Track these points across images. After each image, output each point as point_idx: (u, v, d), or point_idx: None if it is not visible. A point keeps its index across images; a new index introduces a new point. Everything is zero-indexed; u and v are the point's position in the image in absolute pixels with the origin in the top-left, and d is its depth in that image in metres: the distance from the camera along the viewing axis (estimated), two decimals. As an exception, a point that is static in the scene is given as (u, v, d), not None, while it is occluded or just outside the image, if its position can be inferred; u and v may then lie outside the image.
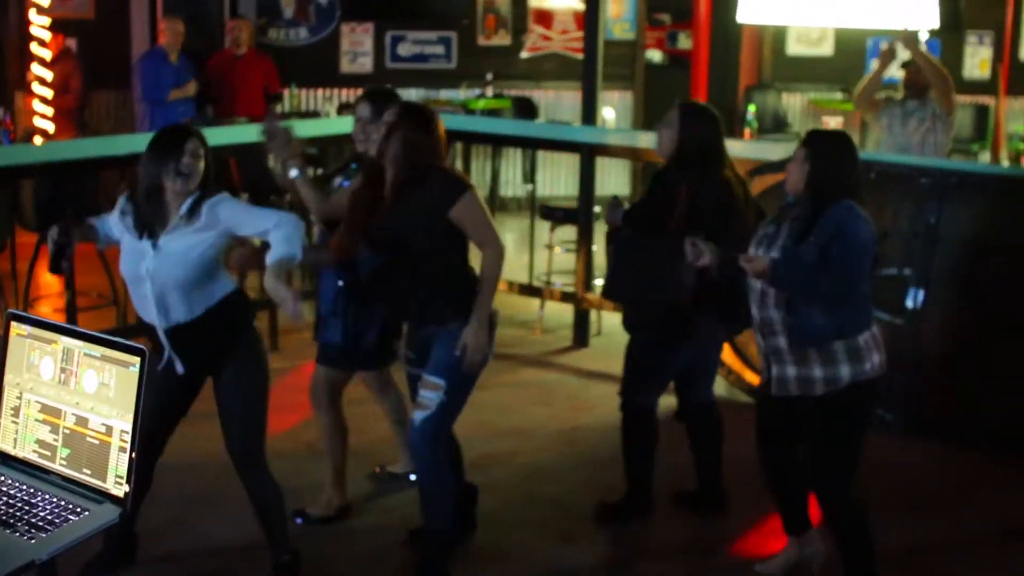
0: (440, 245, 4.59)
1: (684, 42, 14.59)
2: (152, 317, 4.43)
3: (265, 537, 4.75)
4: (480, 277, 4.61)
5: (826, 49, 13.85)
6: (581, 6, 12.38)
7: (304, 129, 8.36)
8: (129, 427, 3.32)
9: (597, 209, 7.94)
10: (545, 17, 13.40)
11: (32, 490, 3.38)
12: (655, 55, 14.92)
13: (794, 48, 13.92)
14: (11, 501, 3.32)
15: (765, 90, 13.68)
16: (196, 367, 4.56)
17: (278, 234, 4.33)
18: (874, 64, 8.27)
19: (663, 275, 5.03)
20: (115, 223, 4.52)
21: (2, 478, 3.47)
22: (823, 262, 4.42)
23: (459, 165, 11.40)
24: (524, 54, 13.39)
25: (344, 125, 8.86)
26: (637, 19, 13.48)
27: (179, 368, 4.51)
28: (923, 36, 9.24)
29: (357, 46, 13.12)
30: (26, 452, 3.54)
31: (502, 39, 13.40)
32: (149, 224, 4.36)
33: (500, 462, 5.82)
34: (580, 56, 10.79)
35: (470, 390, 4.70)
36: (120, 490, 3.29)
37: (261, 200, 7.69)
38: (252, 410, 4.62)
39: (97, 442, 3.38)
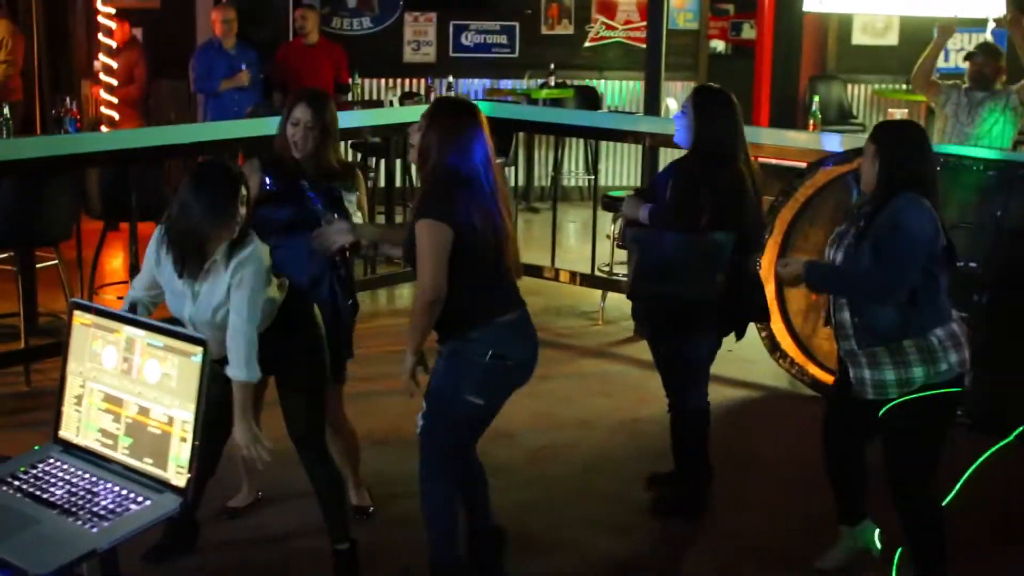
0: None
1: (748, 32, 14.49)
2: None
3: (325, 522, 4.75)
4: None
5: (891, 39, 13.72)
6: None
7: (367, 118, 8.49)
8: (191, 417, 3.32)
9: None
10: (609, 7, 13.34)
11: (94, 479, 3.39)
12: (718, 45, 14.88)
13: (859, 38, 13.79)
14: (73, 489, 3.33)
15: (829, 80, 13.54)
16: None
17: (240, 345, 4.27)
18: (934, 40, 8.12)
19: (694, 273, 5.03)
20: (153, 252, 4.42)
21: (66, 466, 3.48)
22: (876, 258, 4.33)
23: (521, 155, 11.38)
24: (587, 43, 13.34)
25: (407, 114, 8.96)
26: (701, 9, 13.41)
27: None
28: (990, 25, 9.11)
29: (420, 35, 13.12)
30: (88, 441, 3.55)
31: (565, 28, 13.34)
32: (187, 266, 4.28)
33: (560, 454, 5.78)
34: (643, 46, 10.78)
35: (454, 421, 4.45)
36: (181, 480, 3.29)
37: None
38: (313, 400, 4.61)
39: (159, 432, 3.39)
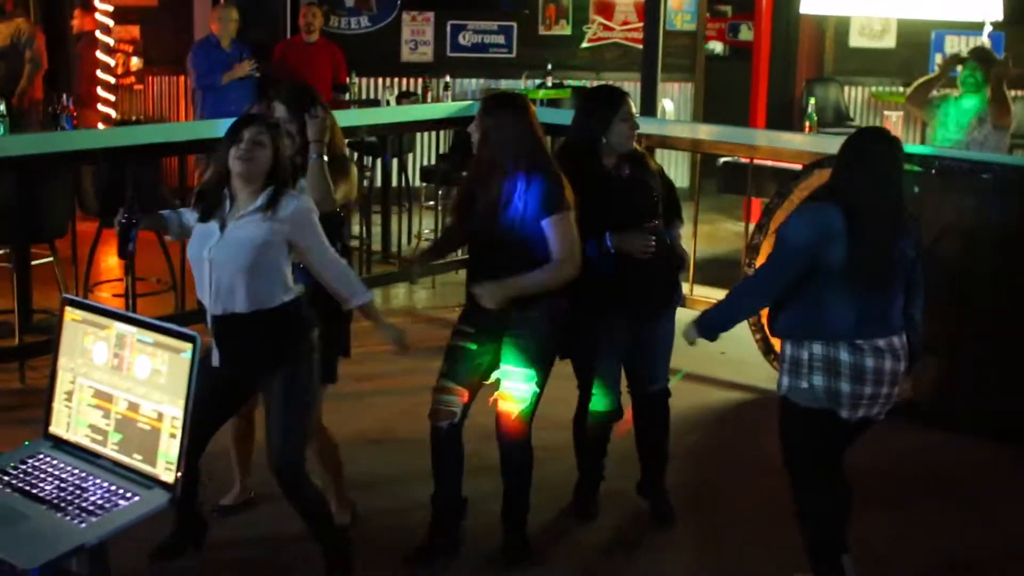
0: None
1: (746, 34, 14.51)
2: (206, 301, 4.37)
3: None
4: None
5: (889, 42, 13.72)
6: None
7: (363, 117, 8.51)
8: (180, 413, 3.33)
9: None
10: (606, 7, 13.33)
11: (84, 474, 3.42)
12: (716, 46, 14.90)
13: (856, 40, 13.80)
14: (63, 484, 3.36)
15: (827, 83, 13.58)
16: (235, 365, 4.41)
17: (343, 273, 4.48)
18: (936, 66, 8.20)
19: None
20: (191, 211, 4.49)
21: (55, 461, 3.51)
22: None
23: None
24: (585, 44, 13.35)
25: (403, 114, 9.01)
26: (698, 10, 13.41)
27: (215, 359, 4.35)
28: (986, 29, 9.11)
29: (418, 35, 13.14)
30: (78, 436, 3.57)
31: (563, 29, 13.34)
32: (211, 206, 4.34)
33: (555, 455, 5.75)
34: (640, 46, 10.77)
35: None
36: (170, 476, 3.31)
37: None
38: (295, 423, 4.43)
39: (148, 428, 3.40)
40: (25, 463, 3.50)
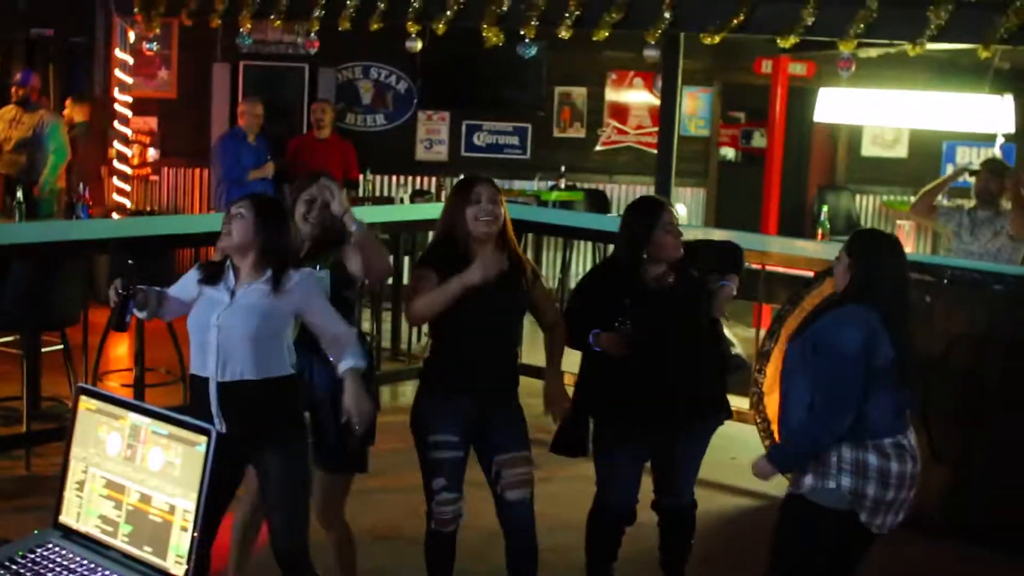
0: None
1: (759, 140, 14.66)
2: (208, 370, 4.36)
3: None
4: None
5: (900, 151, 13.85)
6: (657, 102, 12.45)
7: (376, 215, 8.57)
8: (192, 506, 3.30)
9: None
10: (621, 111, 13.55)
11: (92, 565, 3.37)
12: (729, 152, 15.05)
13: (869, 149, 13.94)
14: None
15: (838, 191, 13.71)
16: (238, 431, 4.35)
17: (348, 345, 4.47)
18: (946, 173, 8.28)
19: None
20: (191, 279, 4.50)
21: (64, 552, 3.46)
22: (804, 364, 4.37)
23: (530, 255, 11.45)
24: (598, 147, 13.53)
25: (416, 212, 9.07)
26: (712, 116, 13.61)
27: (219, 426, 4.29)
28: (998, 140, 9.20)
29: (433, 134, 13.34)
30: (88, 527, 3.52)
31: (577, 132, 13.55)
32: (213, 273, 4.41)
33: (564, 556, 5.74)
34: (654, 151, 10.90)
35: None
36: (179, 570, 3.26)
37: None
38: (296, 502, 4.45)
39: (160, 520, 3.36)
40: (34, 552, 3.45)
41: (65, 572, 3.34)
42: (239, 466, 4.58)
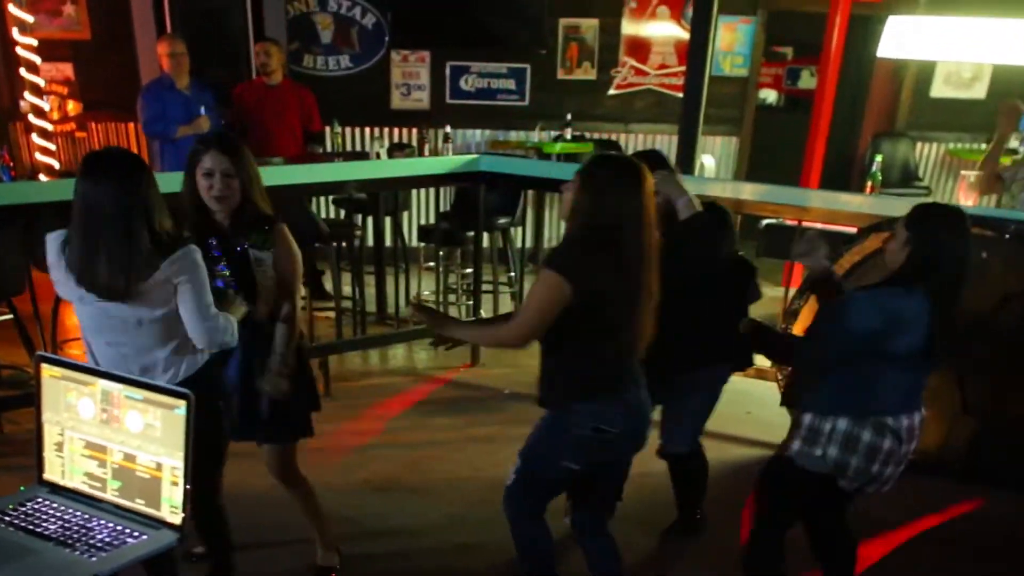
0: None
1: (807, 81, 15.12)
2: None
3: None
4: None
5: (979, 91, 14.20)
6: (684, 35, 13.00)
7: (351, 172, 9.24)
8: (180, 463, 4.06)
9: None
10: (640, 48, 13.77)
11: (87, 516, 4.11)
12: (769, 95, 15.54)
13: (940, 90, 14.30)
14: (67, 524, 4.05)
15: (896, 138, 14.14)
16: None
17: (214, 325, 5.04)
18: (997, 133, 8.82)
19: None
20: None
21: (56, 504, 4.20)
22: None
23: (530, 214, 11.96)
24: (612, 91, 13.86)
25: (396, 168, 9.60)
26: (753, 52, 13.82)
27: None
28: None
29: (411, 78, 13.65)
30: (75, 483, 4.27)
31: (586, 73, 13.79)
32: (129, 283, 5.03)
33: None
34: (679, 95, 11.41)
35: (546, 480, 5.43)
36: (176, 518, 4.04)
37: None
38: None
39: (148, 476, 4.11)
40: (24, 506, 4.17)
41: (60, 521, 4.08)
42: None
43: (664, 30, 13.73)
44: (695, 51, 9.28)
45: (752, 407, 7.15)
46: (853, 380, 5.11)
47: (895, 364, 5.05)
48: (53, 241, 4.73)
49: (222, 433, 5.22)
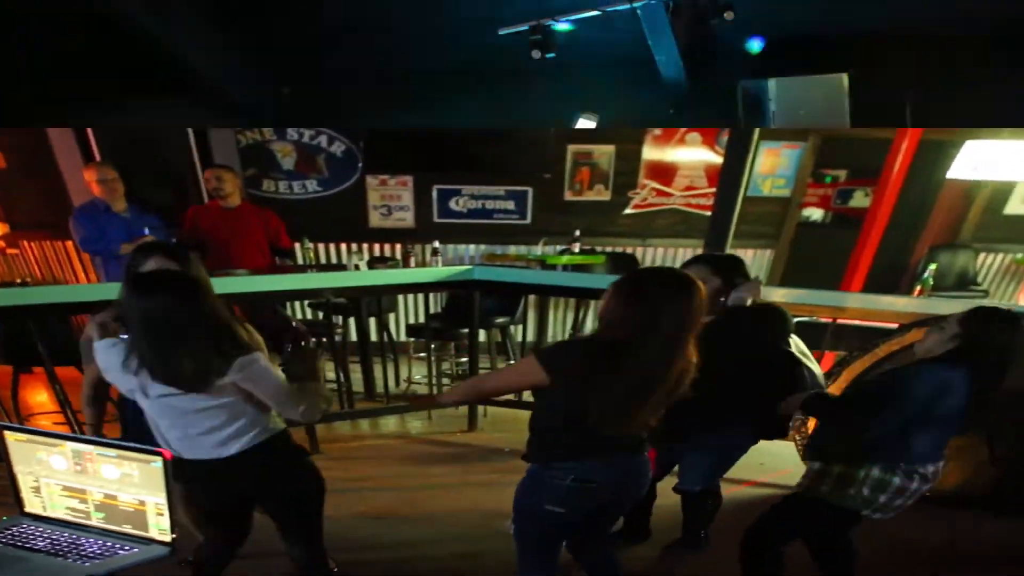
0: None
1: (860, 200, 15.96)
2: None
3: None
4: None
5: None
6: (716, 159, 13.89)
7: (330, 280, 10.20)
8: (163, 500, 4.71)
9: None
10: (662, 171, 14.62)
11: (75, 535, 4.72)
12: (814, 213, 16.24)
13: (1015, 207, 15.33)
14: (57, 541, 4.68)
15: (956, 249, 15.26)
16: None
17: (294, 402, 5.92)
18: None
19: None
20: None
21: (41, 529, 4.81)
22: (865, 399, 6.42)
23: (532, 315, 12.53)
24: (628, 210, 14.72)
25: (379, 277, 10.49)
26: (798, 174, 14.75)
27: None
28: None
29: (391, 200, 14.38)
30: (58, 514, 4.87)
31: (599, 195, 14.61)
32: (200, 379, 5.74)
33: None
34: (706, 213, 12.56)
35: (532, 522, 6.31)
36: (166, 536, 4.71)
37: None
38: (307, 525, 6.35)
39: (132, 510, 4.72)
40: (9, 530, 4.82)
41: (50, 539, 4.72)
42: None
43: (693, 155, 14.58)
44: (729, 175, 10.20)
45: (765, 460, 8.53)
46: (893, 436, 6.31)
47: (935, 424, 6.28)
48: (108, 349, 5.53)
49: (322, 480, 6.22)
